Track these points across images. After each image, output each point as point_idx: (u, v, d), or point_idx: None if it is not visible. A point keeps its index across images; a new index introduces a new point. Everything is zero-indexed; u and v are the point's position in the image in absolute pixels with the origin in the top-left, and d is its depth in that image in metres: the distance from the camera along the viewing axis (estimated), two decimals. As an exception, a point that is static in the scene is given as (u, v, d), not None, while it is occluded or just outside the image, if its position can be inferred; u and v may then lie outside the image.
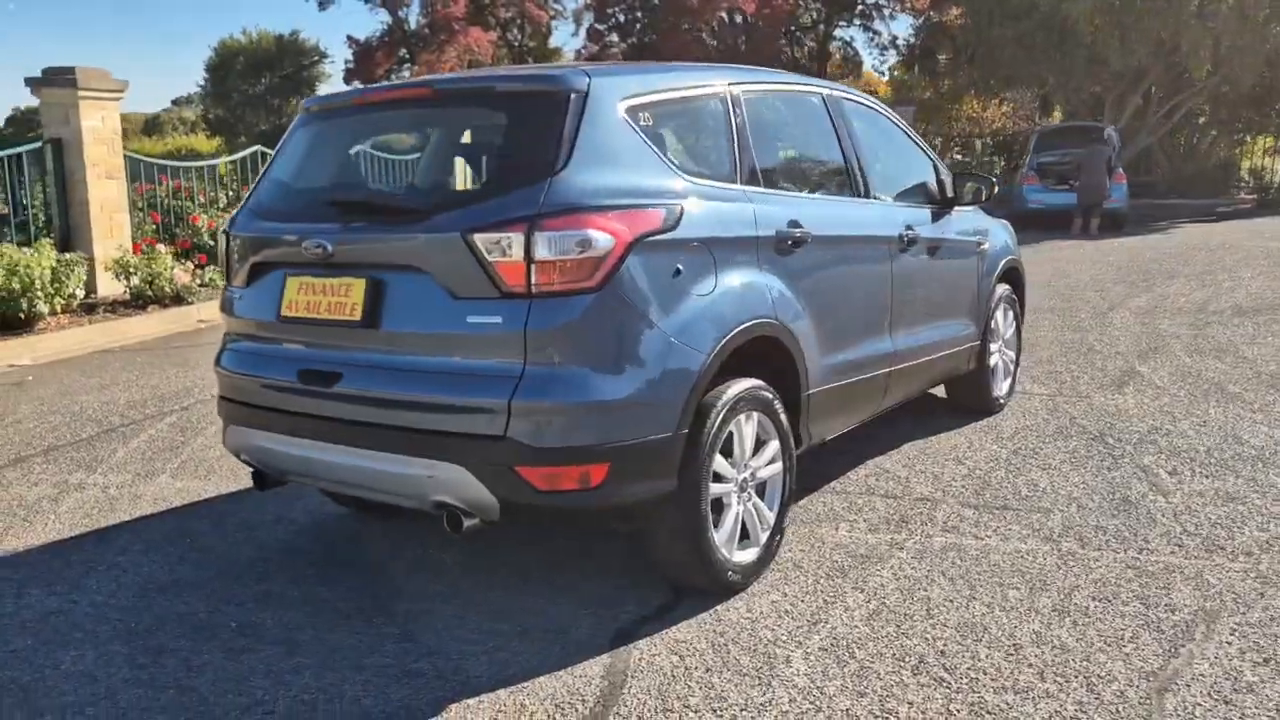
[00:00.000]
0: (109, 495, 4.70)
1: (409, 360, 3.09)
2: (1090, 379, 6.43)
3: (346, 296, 3.14)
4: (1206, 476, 4.52)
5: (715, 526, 3.33)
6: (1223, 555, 3.67)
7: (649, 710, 2.76)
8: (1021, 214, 18.08)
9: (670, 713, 2.75)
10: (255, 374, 3.46)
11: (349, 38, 39.11)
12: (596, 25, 37.34)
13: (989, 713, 2.70)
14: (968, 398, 5.58)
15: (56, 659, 3.12)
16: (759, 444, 3.54)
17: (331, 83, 46.95)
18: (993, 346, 5.57)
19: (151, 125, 52.34)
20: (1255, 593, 3.36)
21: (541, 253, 2.87)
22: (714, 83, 3.66)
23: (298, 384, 3.28)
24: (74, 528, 4.29)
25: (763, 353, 3.54)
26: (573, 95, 3.09)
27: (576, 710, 2.78)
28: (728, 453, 3.39)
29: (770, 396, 3.51)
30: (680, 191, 3.24)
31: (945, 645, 3.06)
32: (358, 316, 3.12)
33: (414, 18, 38.52)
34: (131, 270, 10.15)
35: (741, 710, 2.75)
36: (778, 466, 3.61)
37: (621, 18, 36.01)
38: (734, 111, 3.65)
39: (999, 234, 5.62)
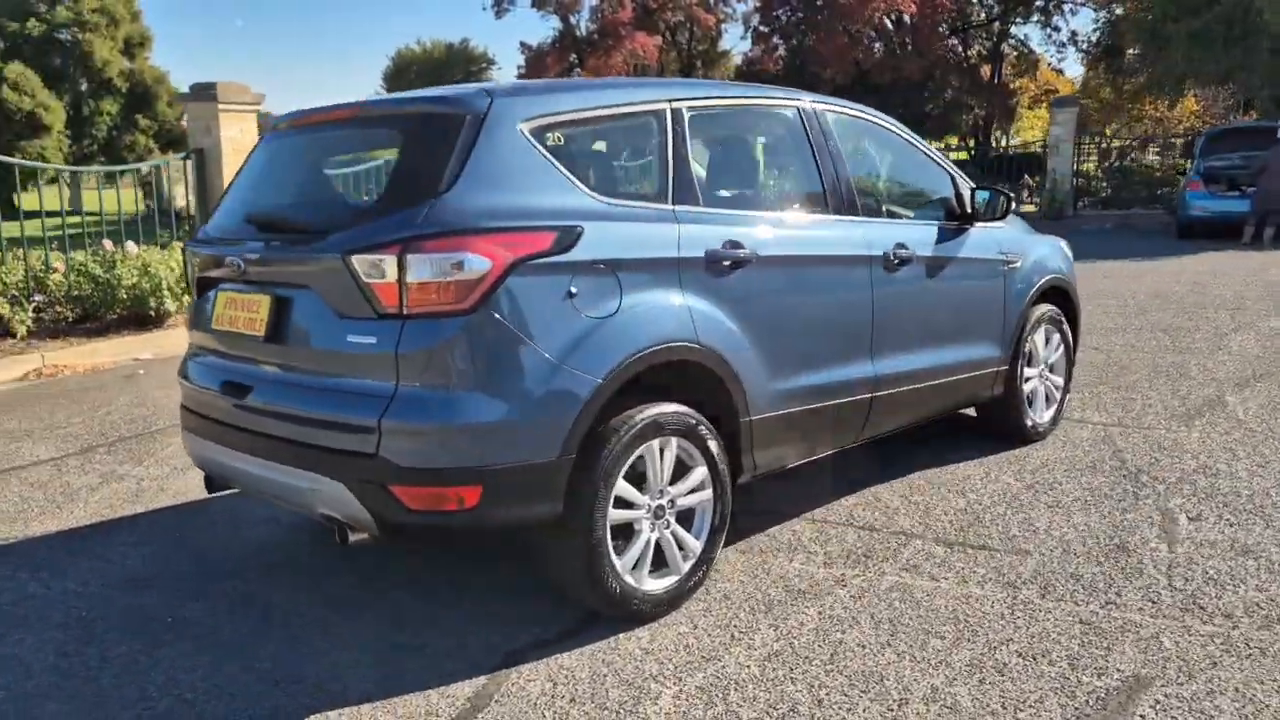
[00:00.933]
0: (140, 487, 5.05)
1: (301, 377, 3.19)
2: (1163, 408, 5.92)
3: (256, 312, 3.28)
4: (1231, 525, 4.10)
5: (620, 553, 3.28)
6: (1197, 616, 3.32)
7: (494, 737, 2.75)
8: (1186, 221, 16.86)
9: (512, 741, 2.73)
10: (198, 384, 3.65)
11: (522, 44, 40.43)
12: (760, 27, 37.15)
13: (832, 771, 2.55)
14: (997, 424, 5.26)
15: (0, 642, 3.39)
16: (684, 470, 3.46)
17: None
18: (1029, 371, 5.23)
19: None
20: (1208, 661, 3.02)
21: (414, 275, 2.90)
22: (650, 100, 3.59)
23: (221, 395, 3.45)
24: (95, 516, 4.64)
25: (688, 377, 3.46)
26: (469, 117, 3.11)
27: (426, 731, 2.79)
28: (641, 478, 3.33)
29: (694, 422, 3.42)
30: (584, 212, 3.20)
31: (828, 694, 2.90)
32: (262, 332, 3.24)
33: (584, 23, 39.41)
34: (257, 272, 10.81)
35: (583, 745, 2.69)
36: (705, 494, 3.51)
37: (784, 19, 35.66)
38: (672, 129, 3.57)
39: (1039, 250, 5.26)
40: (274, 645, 3.30)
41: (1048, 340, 5.36)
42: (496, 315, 2.96)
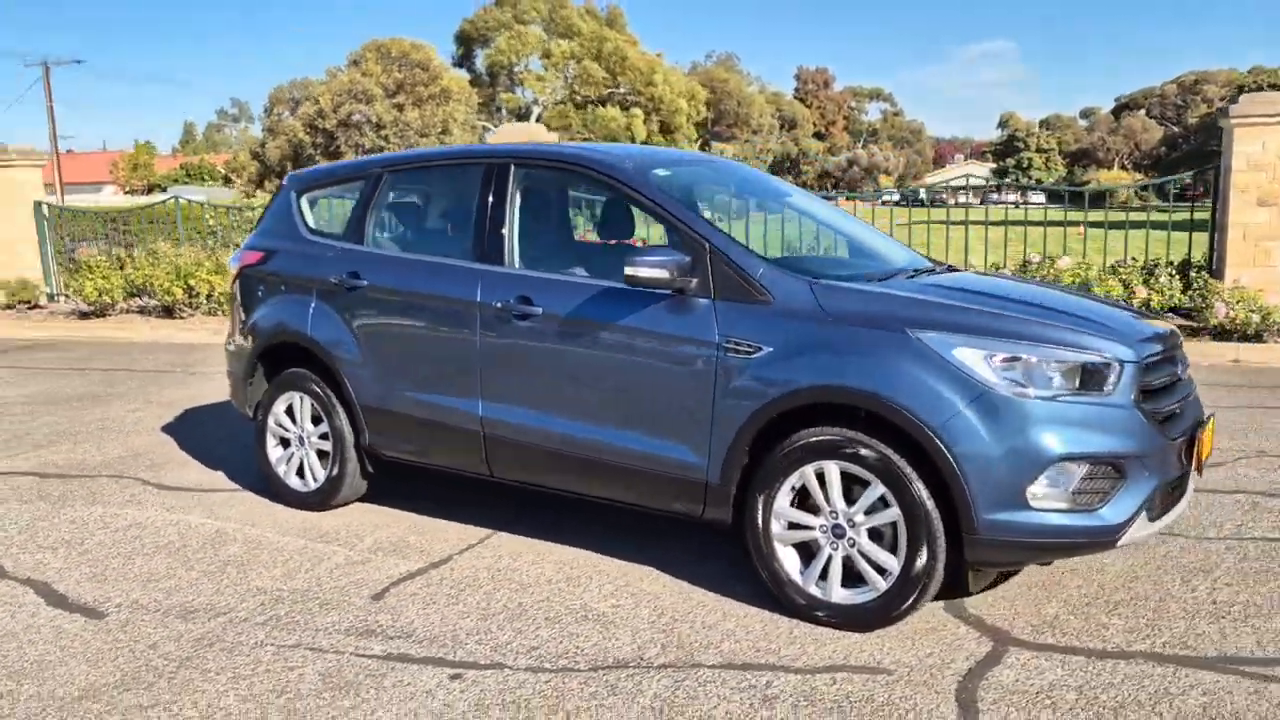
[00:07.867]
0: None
1: None
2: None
3: None
4: None
5: (279, 460, 5.21)
6: None
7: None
8: None
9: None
10: None
11: None
12: None
13: None
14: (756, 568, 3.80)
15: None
16: (316, 419, 5.04)
17: None
18: (801, 517, 3.62)
19: None
20: None
21: (230, 264, 5.57)
22: (369, 170, 4.99)
23: None
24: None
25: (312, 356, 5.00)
26: (282, 186, 5.43)
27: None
28: (292, 413, 5.16)
29: (318, 390, 4.95)
30: (291, 243, 5.14)
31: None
32: None
33: None
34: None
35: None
36: (329, 444, 4.99)
37: None
38: (374, 189, 4.90)
39: (830, 342, 3.51)
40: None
41: (851, 492, 3.53)
42: (235, 294, 5.43)
